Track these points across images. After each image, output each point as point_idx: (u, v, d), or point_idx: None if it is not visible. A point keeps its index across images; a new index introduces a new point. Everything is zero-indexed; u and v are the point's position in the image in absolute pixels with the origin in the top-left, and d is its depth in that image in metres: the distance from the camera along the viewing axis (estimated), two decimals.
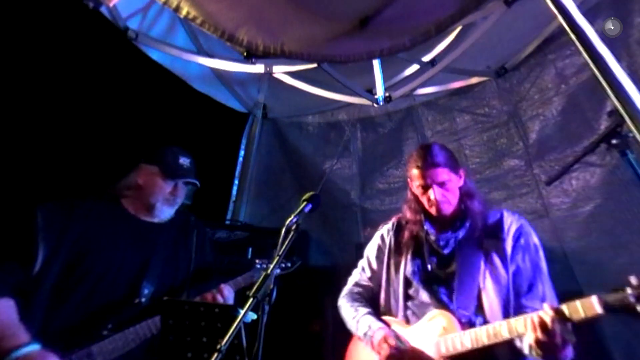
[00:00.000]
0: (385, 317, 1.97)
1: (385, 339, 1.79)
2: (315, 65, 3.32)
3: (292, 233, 1.41)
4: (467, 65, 3.57)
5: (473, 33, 3.15)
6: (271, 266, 1.31)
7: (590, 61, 1.17)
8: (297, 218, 1.44)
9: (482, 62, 3.59)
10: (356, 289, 2.17)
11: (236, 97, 4.44)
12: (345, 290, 2.22)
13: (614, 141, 1.89)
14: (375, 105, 3.81)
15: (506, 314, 1.66)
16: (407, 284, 1.92)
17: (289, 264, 2.26)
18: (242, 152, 4.73)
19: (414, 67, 3.78)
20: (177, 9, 2.44)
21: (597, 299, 1.35)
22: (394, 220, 2.14)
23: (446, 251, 1.87)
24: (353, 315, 2.04)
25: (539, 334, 1.43)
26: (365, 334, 1.90)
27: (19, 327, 1.57)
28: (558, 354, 1.45)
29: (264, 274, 1.29)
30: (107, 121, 3.21)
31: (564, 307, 1.42)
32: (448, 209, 1.85)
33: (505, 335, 1.53)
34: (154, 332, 1.78)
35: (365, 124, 4.36)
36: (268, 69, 3.74)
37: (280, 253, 1.35)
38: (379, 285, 2.06)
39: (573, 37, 1.22)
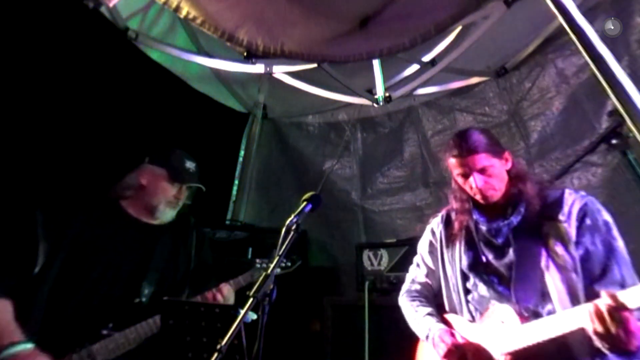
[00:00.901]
0: (448, 316, 1.89)
1: (441, 338, 1.73)
2: (315, 65, 3.32)
3: (292, 233, 1.40)
4: (467, 65, 3.57)
5: (473, 33, 3.15)
6: (271, 266, 1.31)
7: (590, 61, 1.18)
8: (297, 218, 1.44)
9: (482, 62, 3.59)
10: (414, 287, 2.08)
11: (236, 97, 4.44)
12: (404, 288, 2.12)
13: (614, 141, 1.89)
14: (375, 105, 3.81)
15: (577, 304, 1.49)
16: (465, 278, 1.82)
17: (289, 263, 2.27)
18: (242, 152, 4.72)
19: (414, 67, 3.78)
20: (177, 9, 2.44)
21: None
22: (443, 212, 2.04)
23: (500, 241, 1.74)
24: (414, 316, 1.97)
25: (597, 325, 1.30)
26: (427, 337, 1.84)
27: (13, 327, 1.59)
28: (625, 346, 1.30)
29: (264, 274, 1.29)
30: (107, 121, 3.20)
31: (621, 294, 1.29)
32: (494, 195, 1.72)
33: (561, 328, 1.40)
34: (154, 332, 1.79)
35: (365, 124, 4.36)
36: (268, 69, 3.74)
37: (280, 253, 1.35)
38: (438, 282, 1.97)
39: (573, 37, 1.23)
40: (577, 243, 1.58)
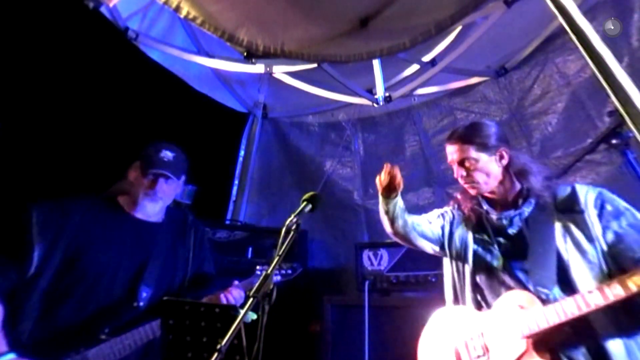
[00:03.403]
0: (451, 310, 1.88)
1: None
2: (315, 65, 3.32)
3: (292, 233, 1.40)
4: (467, 65, 3.57)
5: (473, 33, 3.16)
6: (271, 266, 1.31)
7: (590, 61, 1.17)
8: (297, 218, 1.44)
9: (482, 62, 3.59)
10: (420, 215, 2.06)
11: (236, 97, 4.44)
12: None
13: (614, 141, 1.90)
14: (375, 105, 3.81)
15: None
16: (474, 265, 1.82)
17: (289, 271, 2.22)
18: (242, 152, 4.72)
19: (414, 67, 3.77)
20: (177, 9, 2.44)
21: None
22: (452, 204, 2.04)
23: (512, 230, 1.75)
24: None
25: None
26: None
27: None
28: None
29: (264, 274, 1.29)
30: (106, 121, 3.21)
31: None
32: (478, 188, 1.76)
33: (591, 305, 1.41)
34: (150, 338, 1.76)
35: (366, 124, 4.36)
36: (268, 69, 3.74)
37: (280, 253, 1.35)
38: (439, 242, 1.96)
39: (573, 37, 1.22)
40: (604, 229, 1.58)
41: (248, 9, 2.53)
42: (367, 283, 3.07)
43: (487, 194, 1.81)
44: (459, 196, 1.93)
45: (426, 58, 3.58)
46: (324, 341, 3.06)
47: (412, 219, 1.99)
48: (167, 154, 1.97)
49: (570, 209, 1.66)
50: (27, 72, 2.82)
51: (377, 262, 3.21)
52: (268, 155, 4.76)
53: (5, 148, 2.61)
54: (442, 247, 1.97)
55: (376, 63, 3.61)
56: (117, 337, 1.72)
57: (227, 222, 4.14)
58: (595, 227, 1.60)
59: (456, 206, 1.99)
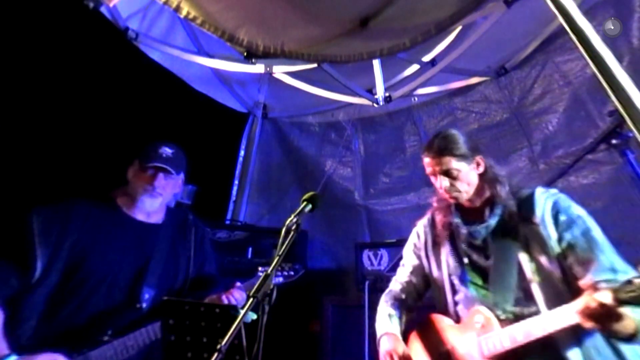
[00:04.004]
0: (434, 316, 1.90)
1: (389, 353, 1.79)
2: (315, 65, 3.32)
3: (292, 233, 1.40)
4: (467, 65, 3.58)
5: (473, 33, 3.16)
6: (271, 266, 1.31)
7: (590, 61, 1.17)
8: (297, 218, 1.44)
9: (482, 62, 3.59)
10: (394, 287, 2.11)
11: (236, 97, 4.44)
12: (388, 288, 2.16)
13: (614, 141, 1.90)
14: (375, 105, 3.81)
15: (561, 302, 1.48)
16: (452, 280, 1.84)
17: (292, 273, 2.22)
18: (242, 152, 4.73)
19: (414, 67, 3.78)
20: (177, 9, 2.44)
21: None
22: (429, 214, 2.07)
23: (479, 243, 1.77)
24: (378, 314, 2.03)
25: (588, 322, 1.34)
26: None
27: (1, 341, 1.56)
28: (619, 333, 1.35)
29: (264, 274, 1.29)
30: (107, 121, 3.20)
31: (599, 295, 1.31)
32: (460, 197, 1.78)
33: (549, 328, 1.44)
34: (153, 339, 1.76)
35: (366, 124, 4.36)
36: (268, 69, 3.74)
37: (280, 253, 1.35)
38: (424, 280, 2.00)
39: (573, 37, 1.22)
40: (560, 240, 1.59)
41: (248, 9, 2.53)
42: (367, 283, 3.07)
43: (464, 203, 1.82)
44: (435, 204, 1.96)
45: (426, 58, 3.58)
46: (324, 341, 3.06)
47: (395, 291, 2.07)
48: (166, 150, 1.96)
49: (529, 219, 1.67)
50: (27, 73, 2.82)
51: (377, 262, 3.21)
52: (268, 156, 4.76)
53: (5, 149, 2.61)
54: (428, 269, 2.00)
55: (376, 63, 3.61)
56: (120, 339, 1.72)
57: (227, 222, 4.14)
58: (552, 239, 1.61)
59: (430, 220, 2.03)
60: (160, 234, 2.00)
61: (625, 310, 1.30)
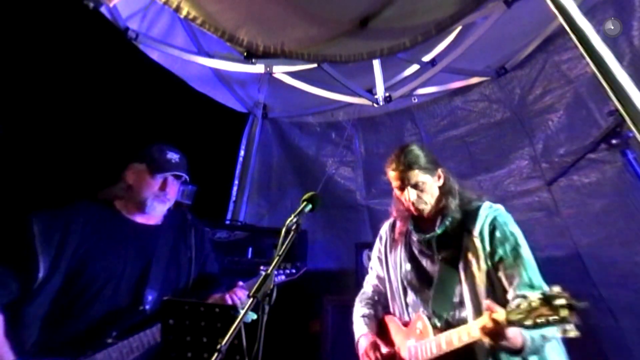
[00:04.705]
0: (387, 318, 2.00)
1: (367, 353, 1.87)
2: (315, 65, 3.32)
3: (292, 233, 1.40)
4: (467, 65, 3.57)
5: (473, 33, 3.15)
6: (271, 266, 1.31)
7: (590, 61, 1.17)
8: (297, 218, 1.44)
9: (482, 62, 3.59)
10: (365, 289, 2.22)
11: (236, 97, 4.44)
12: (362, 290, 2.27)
13: (614, 141, 1.90)
14: (375, 105, 3.81)
15: (481, 313, 1.60)
16: (404, 283, 1.94)
17: (293, 270, 2.24)
18: (242, 152, 4.72)
19: (414, 67, 3.77)
20: (177, 9, 2.44)
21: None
22: (392, 218, 2.14)
23: (428, 251, 1.87)
24: (354, 316, 2.11)
25: (484, 339, 1.45)
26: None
27: (3, 345, 1.57)
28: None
29: (264, 274, 1.29)
30: (106, 122, 3.20)
31: (497, 315, 1.41)
32: (425, 209, 1.86)
33: (461, 341, 1.56)
34: (157, 340, 1.77)
35: (366, 124, 4.36)
36: (268, 69, 3.74)
37: (280, 253, 1.35)
38: (384, 285, 2.08)
39: (573, 37, 1.22)
40: (493, 253, 1.71)
41: (248, 9, 2.53)
42: None
43: (414, 213, 1.90)
44: (394, 213, 2.03)
45: (426, 58, 3.58)
46: (324, 341, 3.06)
47: (368, 293, 2.17)
48: (174, 156, 2.02)
49: (470, 231, 1.77)
50: (27, 74, 2.82)
51: None
52: (268, 156, 4.75)
53: (6, 151, 2.61)
54: (386, 270, 2.08)
55: (376, 63, 3.61)
56: (124, 341, 1.74)
57: (227, 222, 4.14)
58: (487, 252, 1.71)
59: (391, 224, 2.12)
60: (161, 235, 2.01)
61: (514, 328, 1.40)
